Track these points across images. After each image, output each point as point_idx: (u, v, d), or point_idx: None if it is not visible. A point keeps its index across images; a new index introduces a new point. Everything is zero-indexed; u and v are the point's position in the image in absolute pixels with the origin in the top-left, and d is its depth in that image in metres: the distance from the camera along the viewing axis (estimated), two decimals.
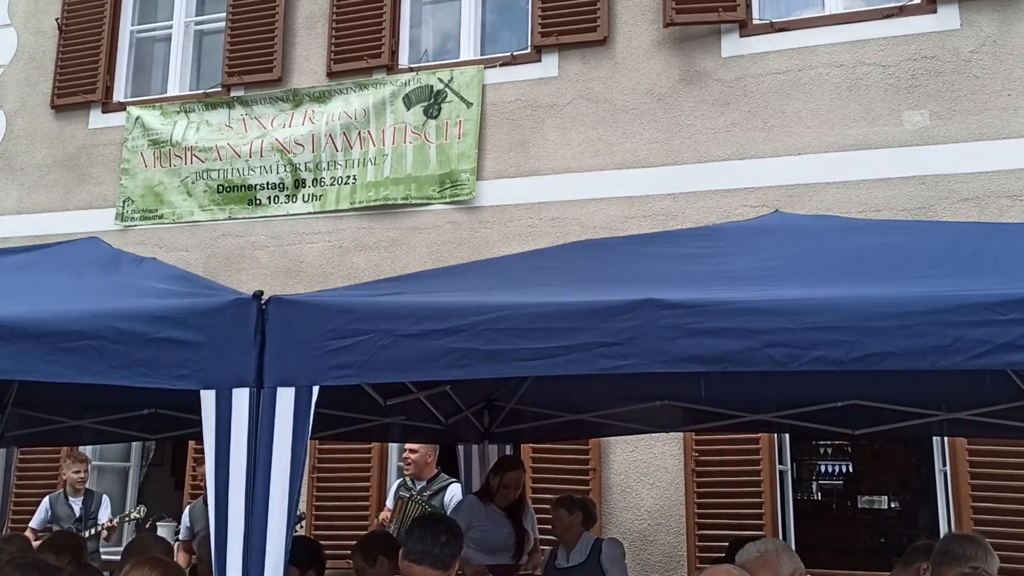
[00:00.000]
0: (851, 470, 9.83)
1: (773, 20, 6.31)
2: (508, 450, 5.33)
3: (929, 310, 2.27)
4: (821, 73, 6.11)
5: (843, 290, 2.45)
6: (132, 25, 8.05)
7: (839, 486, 9.94)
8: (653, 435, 5.80)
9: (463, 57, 7.03)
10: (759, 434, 5.75)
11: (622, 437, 5.89)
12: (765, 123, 6.14)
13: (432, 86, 6.89)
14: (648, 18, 6.53)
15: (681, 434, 5.88)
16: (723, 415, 4.92)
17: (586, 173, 6.44)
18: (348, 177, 6.96)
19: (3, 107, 8.08)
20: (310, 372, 2.50)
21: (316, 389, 2.50)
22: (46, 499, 6.56)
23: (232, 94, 7.42)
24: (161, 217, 7.39)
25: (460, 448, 5.38)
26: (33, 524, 6.44)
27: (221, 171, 7.26)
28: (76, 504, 6.50)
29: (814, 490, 10.00)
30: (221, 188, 7.25)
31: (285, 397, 2.49)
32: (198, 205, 7.30)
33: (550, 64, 6.72)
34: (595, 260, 3.03)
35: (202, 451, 2.55)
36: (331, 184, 7.00)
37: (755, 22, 6.33)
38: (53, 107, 7.86)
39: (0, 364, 2.59)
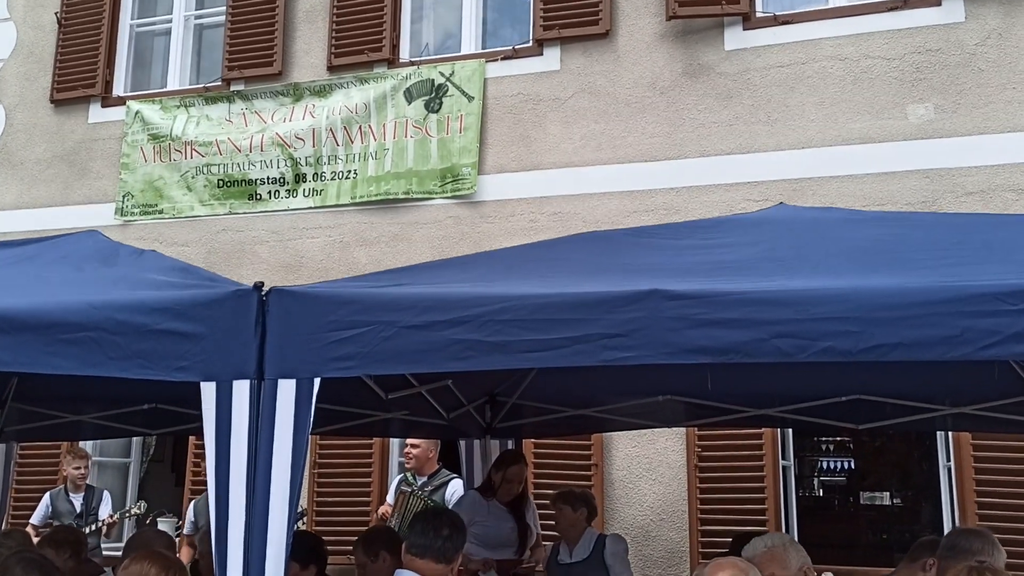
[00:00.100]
0: (853, 466, 9.81)
1: (776, 13, 6.27)
2: (510, 445, 5.30)
3: (938, 300, 2.24)
4: (825, 66, 6.08)
5: (851, 280, 2.42)
6: (132, 19, 8.02)
7: (841, 482, 9.92)
8: (655, 430, 5.79)
9: (464, 51, 7.00)
10: (762, 429, 5.72)
11: (624, 432, 5.87)
12: (768, 117, 6.11)
13: (433, 80, 6.85)
14: (651, 11, 6.49)
15: (684, 429, 5.85)
16: (726, 410, 4.89)
17: (588, 167, 6.41)
18: (349, 172, 6.93)
19: (2, 101, 8.04)
20: (311, 364, 2.47)
21: (317, 381, 2.47)
22: (47, 495, 6.55)
23: (232, 88, 7.38)
24: (161, 212, 7.36)
25: (462, 443, 5.35)
26: (34, 520, 6.43)
27: (221, 166, 7.23)
28: (77, 500, 6.49)
29: (815, 486, 9.98)
30: (221, 183, 7.23)
31: (286, 389, 2.47)
32: (198, 200, 7.27)
33: (552, 58, 6.68)
34: (598, 252, 3.00)
35: (203, 447, 2.52)
36: (332, 179, 6.97)
37: (758, 15, 6.30)
38: (52, 101, 7.83)
39: None
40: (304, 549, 3.50)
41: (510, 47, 6.82)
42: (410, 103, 6.86)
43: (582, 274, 2.73)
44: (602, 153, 6.41)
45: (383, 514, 5.66)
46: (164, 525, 6.85)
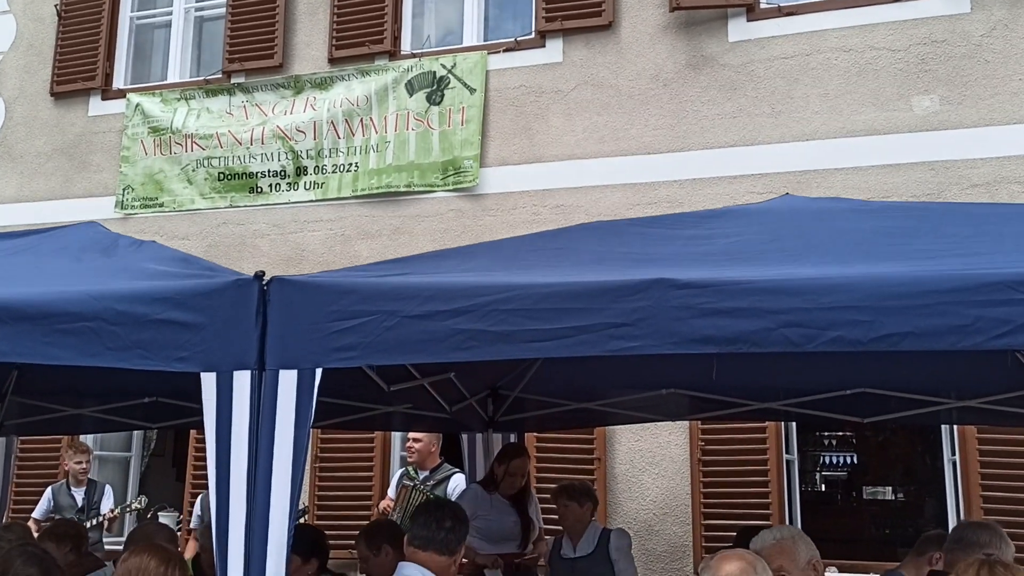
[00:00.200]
0: (855, 461, 9.79)
1: (781, 4, 6.23)
2: (512, 439, 5.27)
3: (949, 289, 2.21)
4: (829, 58, 6.04)
5: (860, 269, 2.38)
6: (132, 11, 7.98)
7: (843, 477, 9.90)
8: (659, 424, 5.75)
9: (466, 43, 6.96)
10: (766, 423, 5.69)
11: (627, 426, 5.84)
12: (773, 108, 6.07)
13: (435, 72, 6.81)
14: (654, 2, 6.45)
15: (687, 423, 5.82)
16: (730, 403, 4.85)
17: (591, 160, 6.38)
18: (350, 164, 6.90)
19: (2, 94, 8.01)
20: (313, 354, 2.44)
21: (319, 372, 2.44)
22: (48, 489, 6.54)
23: (233, 81, 7.35)
24: (161, 205, 7.33)
25: (464, 437, 5.33)
26: (36, 515, 6.42)
27: (222, 158, 7.20)
28: (78, 494, 6.48)
29: (817, 481, 9.96)
30: (222, 176, 7.19)
31: (287, 380, 2.43)
32: (199, 193, 7.24)
33: (554, 49, 6.64)
34: (602, 241, 2.96)
35: (204, 441, 2.48)
36: (333, 171, 6.93)
37: (762, 6, 6.26)
38: (52, 94, 7.80)
39: None
40: (306, 542, 3.48)
41: (512, 39, 6.78)
42: (412, 95, 6.83)
43: (586, 264, 2.70)
44: (605, 146, 6.37)
45: (384, 508, 5.64)
46: (165, 520, 6.83)
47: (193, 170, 7.27)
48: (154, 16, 8.01)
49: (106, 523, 6.39)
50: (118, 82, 7.77)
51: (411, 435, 5.51)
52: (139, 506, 6.56)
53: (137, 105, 7.51)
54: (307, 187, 6.98)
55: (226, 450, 2.42)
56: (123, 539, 5.39)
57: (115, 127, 7.59)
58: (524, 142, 6.57)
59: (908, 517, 8.89)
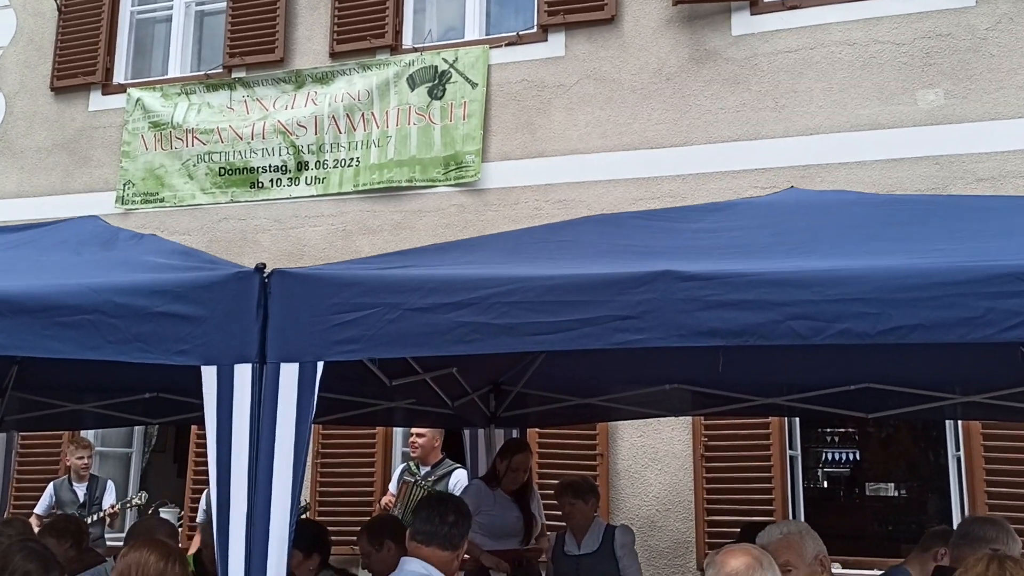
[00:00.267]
0: (858, 457, 9.77)
1: None
2: (514, 434, 5.25)
3: (959, 281, 2.19)
4: (833, 51, 6.00)
5: (867, 261, 2.36)
6: (132, 6, 7.95)
7: (846, 474, 9.88)
8: (661, 420, 5.73)
9: (468, 37, 6.93)
10: (769, 418, 5.67)
11: (630, 422, 5.81)
12: (776, 103, 6.04)
13: (436, 67, 6.78)
14: None
15: (690, 419, 5.80)
16: (734, 399, 4.83)
17: (594, 154, 6.34)
18: (351, 159, 6.87)
19: (2, 89, 7.98)
20: (314, 347, 2.42)
21: (321, 365, 2.42)
22: (50, 485, 6.54)
23: (234, 75, 7.32)
24: (162, 200, 7.30)
25: (466, 432, 5.30)
26: (38, 510, 6.42)
27: (223, 153, 7.17)
28: (80, 489, 6.47)
29: (820, 477, 9.94)
30: (223, 171, 7.17)
31: (288, 373, 2.41)
32: (199, 188, 7.21)
33: (556, 44, 6.61)
34: (606, 234, 2.93)
35: (205, 437, 2.46)
36: (334, 166, 6.91)
37: (766, 0, 6.22)
38: (53, 89, 7.77)
39: None
40: (307, 538, 3.46)
41: (514, 33, 6.75)
42: (413, 90, 6.80)
43: (590, 256, 2.67)
44: (607, 140, 6.34)
45: (386, 504, 5.63)
46: (166, 515, 6.81)
47: (194, 165, 7.24)
48: (154, 10, 7.98)
49: (107, 519, 6.37)
50: (118, 77, 7.74)
51: (414, 430, 5.49)
52: (139, 502, 6.55)
53: (138, 100, 7.48)
54: (308, 182, 6.95)
55: (227, 444, 2.39)
56: (124, 535, 5.37)
57: (116, 122, 7.56)
58: (526, 137, 6.54)
59: (911, 513, 8.87)
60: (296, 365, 2.41)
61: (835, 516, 8.98)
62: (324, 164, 6.92)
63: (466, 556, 2.94)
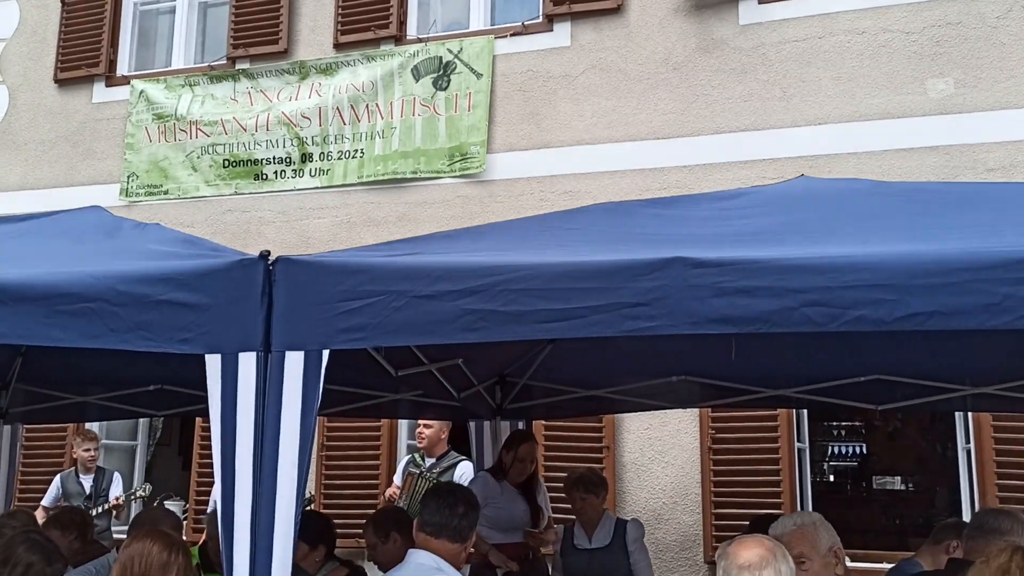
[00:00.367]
0: (864, 451, 9.72)
1: None
2: (520, 427, 5.21)
3: (977, 266, 2.14)
4: (842, 40, 5.94)
5: (883, 248, 2.31)
6: None
7: (853, 467, 9.83)
8: (668, 412, 5.69)
9: (473, 27, 6.88)
10: (778, 411, 5.62)
11: (636, 414, 5.78)
12: (784, 92, 5.98)
13: (441, 57, 6.73)
14: None
15: (697, 411, 5.76)
16: (741, 390, 4.79)
17: (600, 145, 6.29)
18: (356, 151, 6.83)
19: (6, 81, 7.95)
20: (320, 335, 2.38)
21: (326, 353, 2.38)
22: (57, 477, 6.55)
23: (237, 67, 7.28)
24: (166, 192, 7.27)
25: (471, 425, 5.27)
26: (45, 502, 6.42)
27: (227, 145, 7.14)
28: (87, 482, 6.48)
29: (826, 471, 9.89)
30: (227, 163, 7.13)
31: (294, 361, 2.37)
32: (203, 180, 7.17)
33: (562, 33, 6.56)
34: (616, 222, 2.89)
35: (210, 430, 2.42)
36: (338, 158, 6.86)
37: None
38: (56, 81, 7.74)
39: None
40: (312, 529, 3.43)
41: (519, 23, 6.69)
42: (418, 81, 6.75)
43: (600, 243, 2.63)
44: (614, 131, 6.29)
45: (390, 496, 5.60)
46: (171, 508, 6.80)
47: (198, 157, 7.20)
48: (158, 1, 7.93)
49: (113, 511, 6.36)
50: (122, 69, 7.71)
51: (421, 421, 5.46)
52: (144, 494, 6.53)
53: (141, 92, 7.45)
54: (312, 174, 6.91)
55: (231, 433, 2.36)
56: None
57: (119, 114, 7.53)
58: (531, 127, 6.49)
59: (918, 507, 8.82)
60: (301, 353, 2.37)
61: (842, 509, 8.94)
62: (328, 156, 6.88)
63: (471, 550, 2.89)
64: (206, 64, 7.47)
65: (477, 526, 2.79)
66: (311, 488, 6.28)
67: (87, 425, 6.83)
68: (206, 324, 2.39)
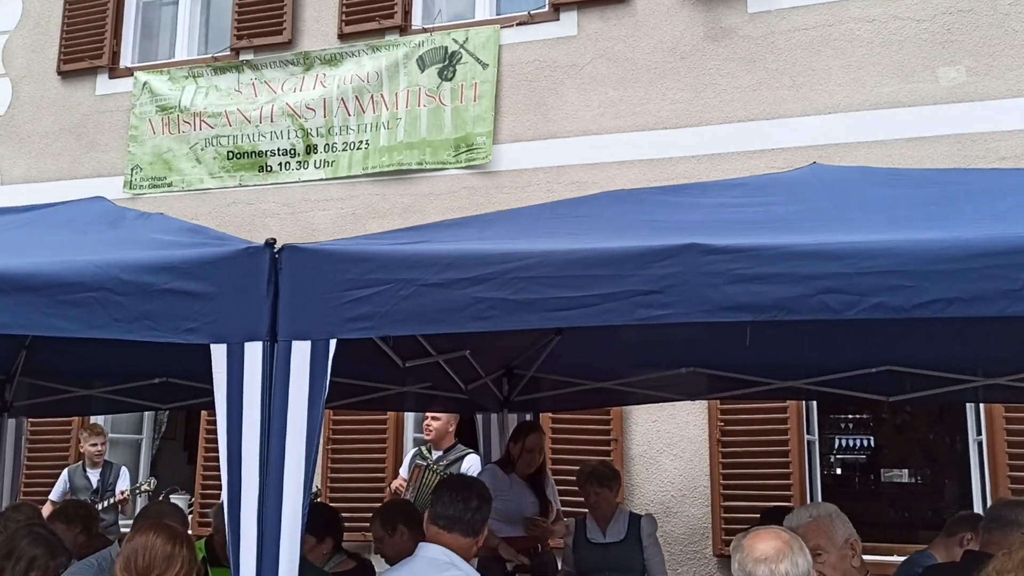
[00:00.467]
0: (872, 444, 9.67)
1: None
2: (528, 419, 5.17)
3: (998, 252, 2.10)
4: (852, 28, 5.87)
5: (901, 234, 2.26)
6: None
7: (861, 460, 9.78)
8: (676, 404, 5.65)
9: (478, 17, 6.82)
10: (787, 403, 5.58)
11: (644, 407, 5.73)
12: (794, 81, 5.92)
13: (447, 47, 6.68)
14: None
15: (705, 403, 5.72)
16: (751, 382, 4.74)
17: (607, 135, 6.24)
18: (361, 142, 6.78)
19: (9, 74, 7.92)
20: (327, 324, 2.33)
21: (333, 343, 2.34)
22: (65, 471, 6.55)
23: (241, 58, 7.23)
24: (170, 185, 7.23)
25: (479, 417, 5.23)
26: (53, 496, 6.43)
27: (231, 137, 7.09)
28: (94, 476, 6.48)
29: (833, 464, 9.85)
30: (231, 155, 7.09)
31: (300, 351, 2.33)
32: (208, 172, 7.14)
33: (569, 23, 6.50)
34: (627, 209, 2.84)
35: (216, 424, 2.38)
36: (343, 149, 6.82)
37: None
38: (59, 73, 7.70)
39: None
40: (320, 522, 3.40)
41: (525, 12, 6.63)
42: (423, 71, 6.70)
43: (611, 230, 2.58)
44: (621, 121, 6.24)
45: (397, 488, 5.57)
46: (176, 502, 6.78)
47: (202, 149, 7.16)
48: None
49: (119, 505, 6.35)
50: (125, 60, 7.67)
51: (430, 414, 5.43)
52: (149, 488, 6.52)
53: (145, 83, 7.41)
54: (317, 165, 6.87)
55: (237, 424, 2.32)
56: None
57: (123, 106, 7.49)
58: (538, 118, 6.44)
59: (927, 499, 8.78)
60: (308, 343, 2.33)
61: (850, 502, 8.89)
62: (333, 147, 6.84)
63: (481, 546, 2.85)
64: (210, 55, 7.42)
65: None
66: (317, 481, 6.25)
67: (93, 419, 6.81)
68: (211, 313, 2.35)
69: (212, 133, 7.14)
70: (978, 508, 5.35)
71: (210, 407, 2.43)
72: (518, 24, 6.60)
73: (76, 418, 6.91)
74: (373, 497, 6.02)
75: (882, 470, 9.37)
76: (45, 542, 2.96)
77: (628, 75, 6.27)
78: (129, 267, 2.44)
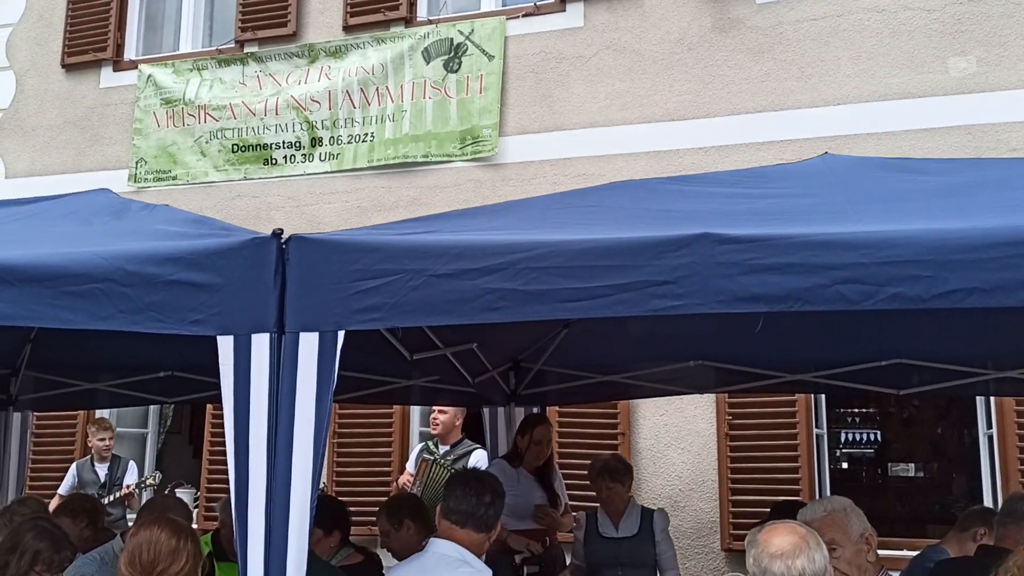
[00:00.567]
0: (879, 438, 9.63)
1: None
2: (535, 412, 5.14)
3: (1017, 241, 2.05)
4: (861, 19, 5.82)
5: (919, 224, 2.22)
6: None
7: (869, 454, 9.74)
8: (684, 398, 5.61)
9: (484, 8, 6.78)
10: (796, 396, 5.54)
11: (652, 400, 5.70)
12: (802, 72, 5.87)
13: (452, 39, 6.64)
14: None
15: (713, 396, 5.68)
16: (759, 375, 4.71)
17: (614, 127, 6.20)
18: (366, 135, 6.75)
19: (13, 67, 7.89)
20: (335, 316, 2.30)
21: (341, 334, 2.30)
22: (73, 465, 6.56)
23: (246, 50, 7.20)
24: (175, 178, 7.20)
25: (485, 411, 5.21)
26: (61, 490, 6.44)
27: (235, 130, 7.06)
28: (101, 470, 6.49)
29: (840, 457, 9.81)
30: (236, 147, 7.06)
31: (308, 343, 2.29)
32: (212, 165, 7.11)
33: (575, 14, 6.45)
34: (638, 199, 2.80)
35: (222, 417, 2.35)
36: (348, 142, 6.78)
37: None
38: (64, 66, 7.67)
39: (2, 310, 2.40)
40: (327, 515, 3.38)
41: (531, 3, 6.59)
42: (428, 63, 6.66)
43: (622, 220, 2.54)
44: (628, 112, 6.19)
45: (404, 483, 5.55)
46: (182, 496, 6.77)
47: (207, 142, 7.13)
48: None
49: (126, 499, 6.34)
50: (129, 53, 7.64)
51: (437, 408, 5.40)
52: (154, 482, 6.51)
53: (149, 76, 7.37)
54: (322, 158, 6.83)
55: (244, 417, 2.29)
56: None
57: (127, 99, 7.46)
58: (544, 110, 6.39)
59: (935, 493, 8.75)
60: (316, 335, 2.30)
61: (858, 497, 8.84)
62: (338, 140, 6.80)
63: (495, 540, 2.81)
64: (214, 48, 7.39)
65: None
66: (323, 476, 6.23)
67: (99, 414, 6.80)
68: (218, 305, 2.31)
69: (217, 126, 7.11)
70: (988, 502, 5.32)
71: (216, 401, 2.40)
72: (524, 15, 6.56)
73: (82, 412, 6.90)
74: (379, 491, 6.00)
75: (889, 464, 9.33)
76: (50, 536, 2.94)
77: (635, 66, 6.22)
78: (134, 258, 2.41)
